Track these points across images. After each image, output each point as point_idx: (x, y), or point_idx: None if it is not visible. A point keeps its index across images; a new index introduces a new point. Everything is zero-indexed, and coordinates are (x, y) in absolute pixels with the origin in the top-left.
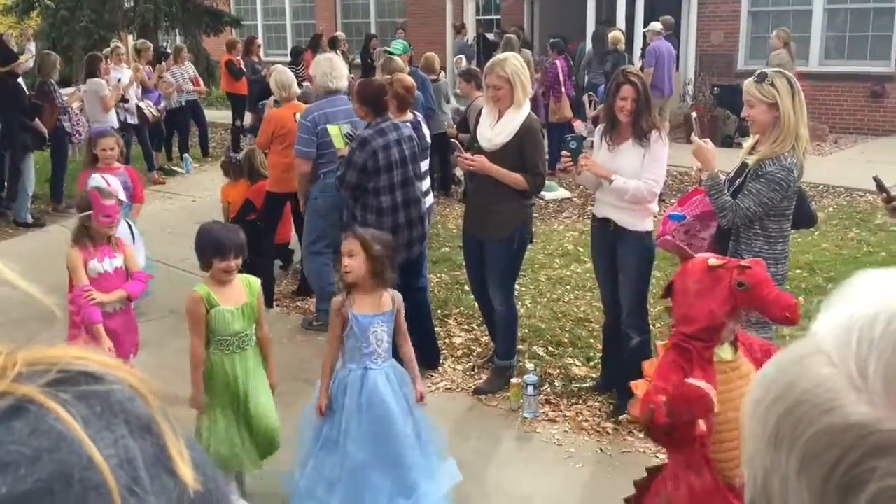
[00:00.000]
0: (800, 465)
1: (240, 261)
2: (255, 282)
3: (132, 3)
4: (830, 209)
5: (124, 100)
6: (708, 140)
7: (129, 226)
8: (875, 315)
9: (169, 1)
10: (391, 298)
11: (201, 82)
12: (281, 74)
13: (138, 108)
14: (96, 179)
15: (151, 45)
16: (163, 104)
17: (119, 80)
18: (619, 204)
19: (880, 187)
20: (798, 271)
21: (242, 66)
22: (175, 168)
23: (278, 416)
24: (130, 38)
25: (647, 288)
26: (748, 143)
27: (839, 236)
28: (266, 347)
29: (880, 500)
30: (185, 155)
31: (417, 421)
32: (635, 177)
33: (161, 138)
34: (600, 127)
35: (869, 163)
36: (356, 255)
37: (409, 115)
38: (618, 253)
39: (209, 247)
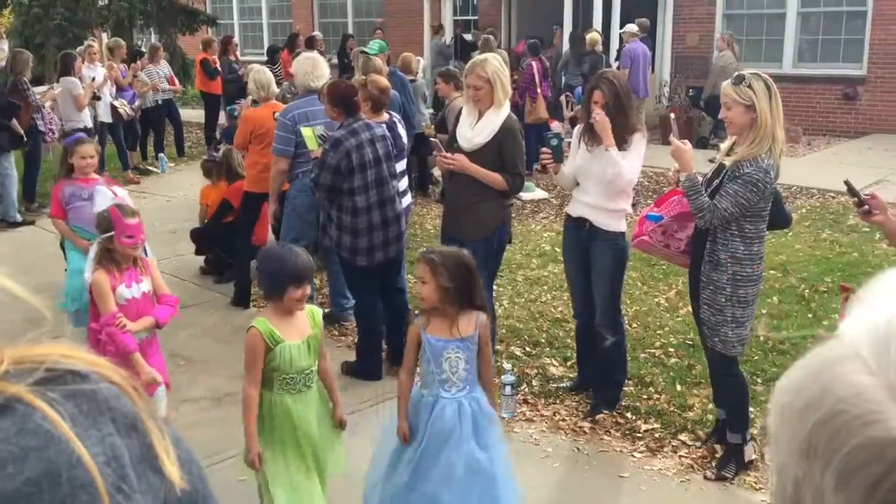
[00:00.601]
0: (837, 480)
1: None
2: (318, 311)
3: (106, 1)
4: (804, 210)
5: (97, 98)
6: (686, 141)
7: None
8: None
9: None
10: (475, 322)
11: (177, 81)
12: (260, 74)
13: (112, 106)
14: (102, 192)
15: (125, 44)
16: (137, 103)
17: (93, 78)
18: (595, 204)
19: (851, 191)
20: (772, 272)
21: (218, 65)
22: (150, 167)
23: None
24: (104, 36)
25: (620, 289)
26: (725, 144)
27: (812, 237)
28: (330, 381)
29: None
30: (161, 154)
31: (491, 463)
32: (611, 181)
33: (136, 137)
34: (578, 128)
35: (841, 164)
36: (427, 281)
37: (385, 116)
38: (591, 253)
39: (286, 275)
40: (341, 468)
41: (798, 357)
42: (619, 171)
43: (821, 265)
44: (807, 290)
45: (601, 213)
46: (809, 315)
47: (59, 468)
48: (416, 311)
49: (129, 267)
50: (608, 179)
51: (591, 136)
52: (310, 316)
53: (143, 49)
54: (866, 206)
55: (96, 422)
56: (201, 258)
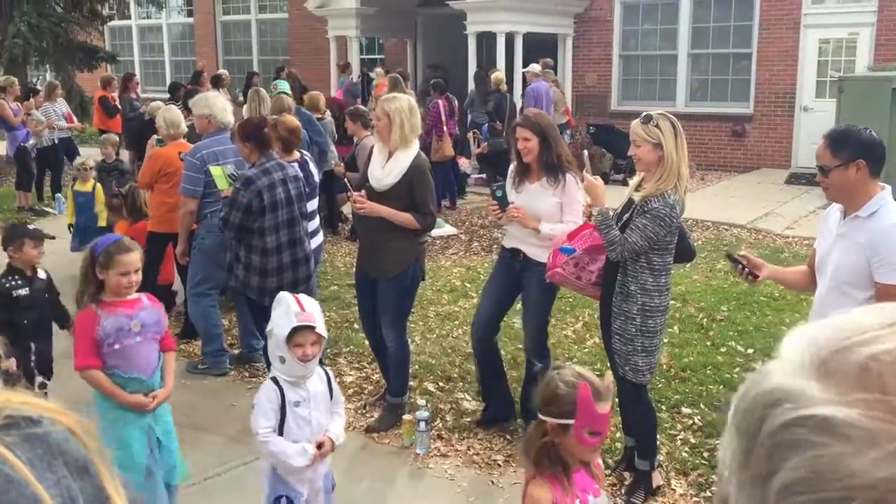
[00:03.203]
0: (737, 429)
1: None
2: None
3: None
4: (699, 242)
5: None
6: (598, 177)
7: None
8: (819, 331)
9: (39, 36)
10: None
11: (75, 119)
12: (169, 112)
13: None
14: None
15: (16, 80)
16: (31, 142)
17: None
18: (528, 239)
19: (733, 260)
20: (672, 302)
21: (118, 102)
22: (46, 209)
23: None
24: None
25: (548, 316)
26: (634, 180)
27: (708, 268)
28: None
29: (769, 439)
30: (58, 195)
31: None
32: (548, 216)
33: (31, 177)
34: (512, 169)
35: (733, 198)
36: None
37: (296, 155)
38: (523, 283)
39: None
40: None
41: (699, 384)
42: (558, 238)
43: (717, 295)
44: (705, 319)
45: (533, 245)
46: (708, 343)
47: None
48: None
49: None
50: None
51: (521, 175)
52: None
53: (39, 87)
54: (746, 270)
55: (51, 465)
56: None
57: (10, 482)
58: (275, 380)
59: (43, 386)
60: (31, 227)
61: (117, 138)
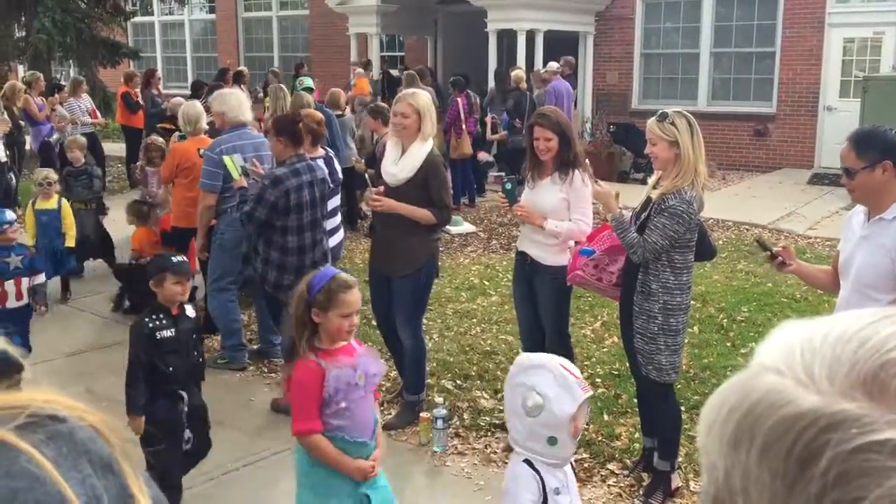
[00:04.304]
0: (760, 453)
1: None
2: None
3: (24, 33)
4: (720, 242)
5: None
6: (599, 182)
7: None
8: (811, 334)
9: (63, 31)
10: None
11: (99, 115)
12: (189, 108)
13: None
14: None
15: (41, 76)
16: (55, 137)
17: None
18: (537, 239)
19: (763, 246)
20: (692, 302)
21: (140, 98)
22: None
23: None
24: (21, 69)
25: (566, 317)
26: (652, 179)
27: (729, 268)
28: None
29: (834, 465)
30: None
31: None
32: (554, 212)
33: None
34: (525, 166)
35: (754, 198)
36: None
37: (321, 151)
38: (534, 285)
39: None
40: None
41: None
42: (565, 235)
43: (737, 295)
44: (725, 320)
45: (541, 248)
46: (728, 344)
47: None
48: None
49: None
50: (553, 241)
51: (533, 172)
52: None
53: (63, 82)
54: (780, 259)
55: (76, 463)
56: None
57: (35, 480)
58: (529, 463)
59: (189, 441)
60: (175, 259)
61: (84, 140)
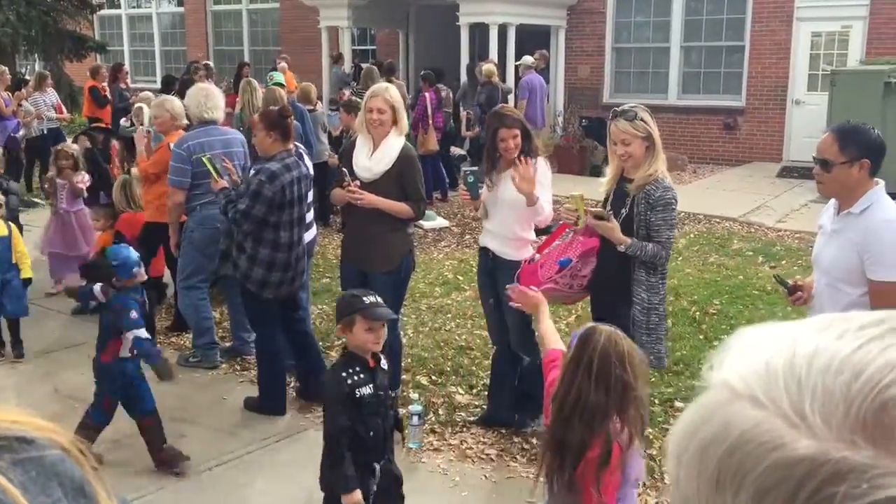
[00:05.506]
0: (752, 501)
1: None
2: None
3: None
4: (692, 236)
5: None
6: (607, 217)
7: None
8: (791, 358)
9: (28, 25)
10: None
11: (64, 109)
12: (172, 102)
13: None
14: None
15: (6, 70)
16: (21, 132)
17: None
18: (498, 233)
19: (781, 283)
20: None
21: (107, 92)
22: (35, 199)
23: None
24: None
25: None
26: (610, 173)
27: (700, 261)
28: None
29: None
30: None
31: None
32: (519, 203)
33: (21, 168)
34: (484, 164)
35: (725, 191)
36: None
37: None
38: (496, 281)
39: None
40: None
41: (692, 378)
42: (545, 216)
43: (709, 288)
44: (697, 313)
45: (503, 242)
46: (701, 337)
47: None
48: None
49: None
50: (516, 232)
51: (491, 171)
52: None
53: (28, 76)
54: (798, 294)
55: (45, 487)
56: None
57: None
58: None
59: None
60: (368, 300)
61: None
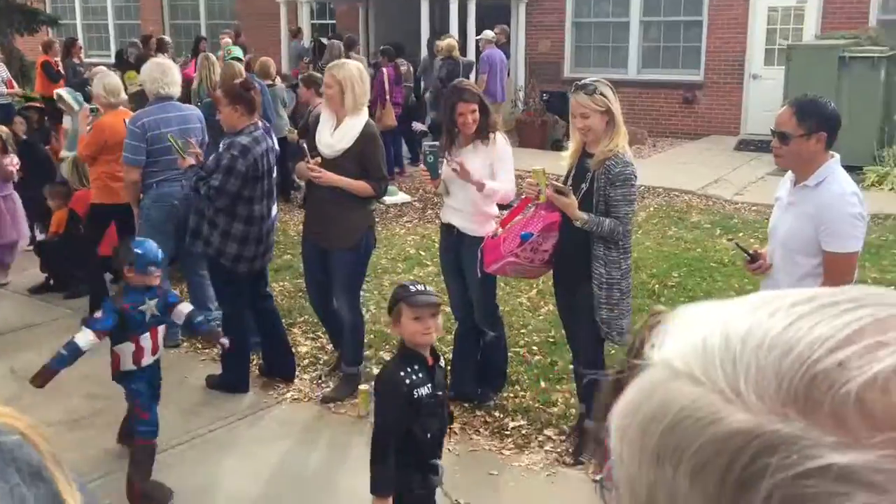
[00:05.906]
0: (690, 475)
1: None
2: None
3: None
4: (651, 209)
5: None
6: (565, 192)
7: None
8: (726, 334)
9: None
10: None
11: (15, 85)
12: (109, 78)
13: None
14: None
15: None
16: None
17: None
18: (461, 209)
19: (744, 251)
20: None
21: (61, 68)
22: None
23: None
24: None
25: (493, 288)
26: (572, 147)
27: (660, 234)
28: None
29: (776, 492)
30: None
31: None
32: (482, 173)
33: None
34: (443, 139)
35: (684, 164)
36: None
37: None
38: (461, 257)
39: None
40: None
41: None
42: (501, 195)
43: (668, 261)
44: (656, 286)
45: (466, 218)
46: None
47: None
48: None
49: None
50: (479, 207)
51: (450, 147)
52: None
53: None
54: (760, 262)
55: (2, 473)
56: (42, 275)
57: None
58: None
59: None
60: (413, 287)
61: None
